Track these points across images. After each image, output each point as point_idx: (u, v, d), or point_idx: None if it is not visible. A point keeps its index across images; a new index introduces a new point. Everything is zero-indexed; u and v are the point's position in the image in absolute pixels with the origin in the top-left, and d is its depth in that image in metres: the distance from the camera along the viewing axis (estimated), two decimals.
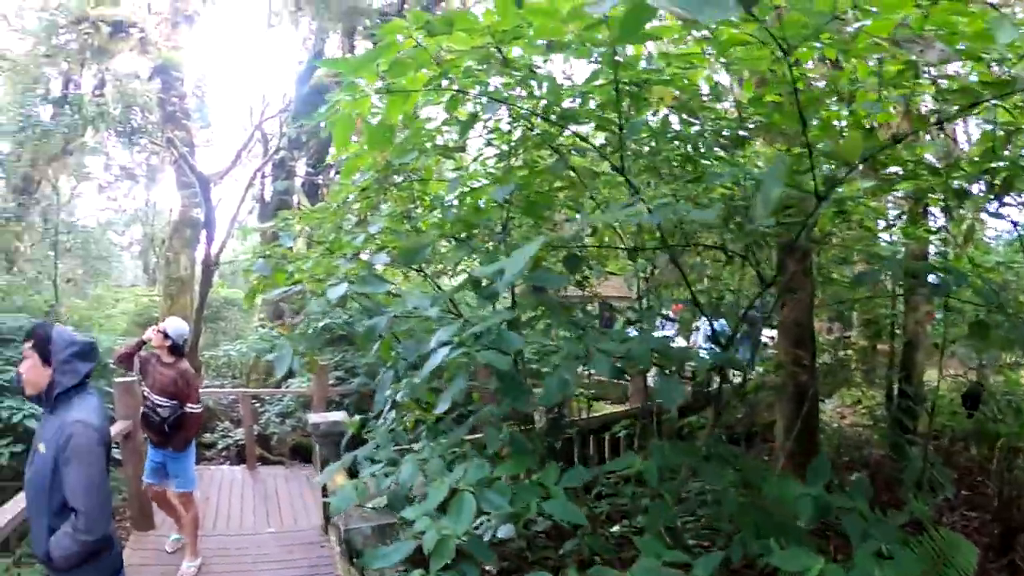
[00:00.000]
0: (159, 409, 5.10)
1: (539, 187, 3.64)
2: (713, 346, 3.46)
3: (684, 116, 3.26)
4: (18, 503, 3.28)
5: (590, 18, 2.18)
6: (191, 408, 5.21)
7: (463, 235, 3.58)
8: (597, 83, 2.78)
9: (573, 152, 3.49)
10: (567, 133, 3.23)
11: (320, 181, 14.69)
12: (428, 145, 3.60)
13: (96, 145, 16.12)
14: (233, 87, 48.21)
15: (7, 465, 6.05)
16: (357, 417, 4.85)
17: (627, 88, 2.76)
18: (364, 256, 3.95)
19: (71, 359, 2.74)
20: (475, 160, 4.05)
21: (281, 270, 3.92)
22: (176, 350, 5.29)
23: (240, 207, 12.29)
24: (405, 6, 13.74)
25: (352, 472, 3.71)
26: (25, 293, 9.97)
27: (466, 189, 3.66)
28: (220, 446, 10.34)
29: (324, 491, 5.40)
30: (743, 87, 4.13)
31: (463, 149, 4.31)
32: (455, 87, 2.77)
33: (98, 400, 2.86)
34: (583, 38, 2.31)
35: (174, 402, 5.12)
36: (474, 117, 3.10)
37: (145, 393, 5.21)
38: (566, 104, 2.99)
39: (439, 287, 4.14)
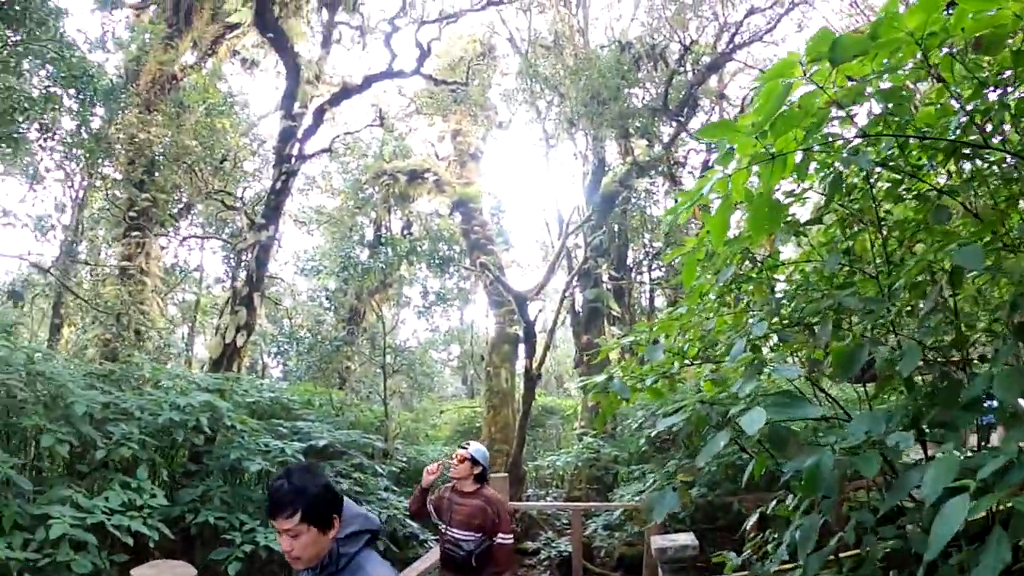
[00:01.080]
0: (462, 543, 4.49)
1: None
2: None
3: None
4: None
5: None
6: (503, 538, 4.49)
7: None
8: None
9: None
10: None
11: (624, 285, 14.79)
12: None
13: (411, 276, 18.44)
14: (527, 208, 52.76)
15: None
16: (732, 556, 4.15)
17: None
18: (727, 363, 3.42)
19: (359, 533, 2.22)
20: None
21: (655, 389, 3.60)
22: (481, 477, 4.64)
23: (556, 320, 12.73)
24: (669, 95, 13.85)
25: None
26: (357, 409, 11.16)
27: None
28: (543, 555, 10.31)
29: None
30: None
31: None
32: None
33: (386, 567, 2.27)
34: None
35: (479, 535, 4.49)
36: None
37: (443, 530, 4.60)
38: None
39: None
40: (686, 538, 5.07)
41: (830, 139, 2.48)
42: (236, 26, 13.43)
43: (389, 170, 17.55)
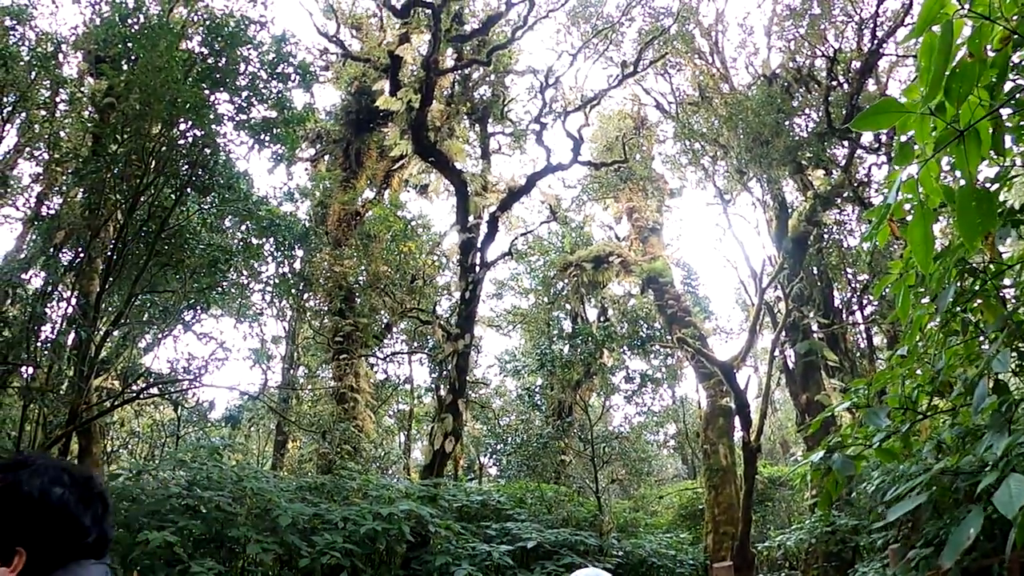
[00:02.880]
0: None
1: None
2: None
3: None
4: None
5: None
6: None
7: None
8: None
9: None
10: None
11: (836, 331, 13.32)
12: None
13: (615, 362, 17.99)
14: (719, 272, 50.84)
15: None
16: None
17: None
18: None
19: None
20: None
21: (885, 451, 2.90)
22: None
23: (768, 383, 11.62)
24: (831, 114, 12.57)
25: None
26: (570, 504, 10.62)
27: None
28: None
29: None
30: None
31: None
32: None
33: None
34: None
35: None
36: None
37: None
38: None
39: None
40: None
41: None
42: (403, 157, 14.70)
43: (574, 261, 17.76)
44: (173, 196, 9.19)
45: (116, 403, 11.01)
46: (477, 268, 13.66)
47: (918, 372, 3.40)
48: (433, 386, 18.46)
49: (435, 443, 12.00)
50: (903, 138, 1.91)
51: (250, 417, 20.07)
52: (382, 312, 16.55)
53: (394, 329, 19.08)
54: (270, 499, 6.31)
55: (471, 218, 13.83)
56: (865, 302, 15.29)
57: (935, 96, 1.67)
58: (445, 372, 12.84)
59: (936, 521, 7.60)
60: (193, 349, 17.60)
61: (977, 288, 2.91)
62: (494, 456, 17.81)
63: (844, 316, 14.87)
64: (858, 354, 16.64)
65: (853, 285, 15.97)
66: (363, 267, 14.23)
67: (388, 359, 17.67)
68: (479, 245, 13.73)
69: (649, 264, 16.72)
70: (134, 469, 6.84)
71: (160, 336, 12.18)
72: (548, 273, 18.67)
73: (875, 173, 14.45)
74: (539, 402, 16.29)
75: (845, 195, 13.75)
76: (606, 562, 8.22)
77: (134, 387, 10.94)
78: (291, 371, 21.87)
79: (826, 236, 14.43)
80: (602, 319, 18.81)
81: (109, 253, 9.45)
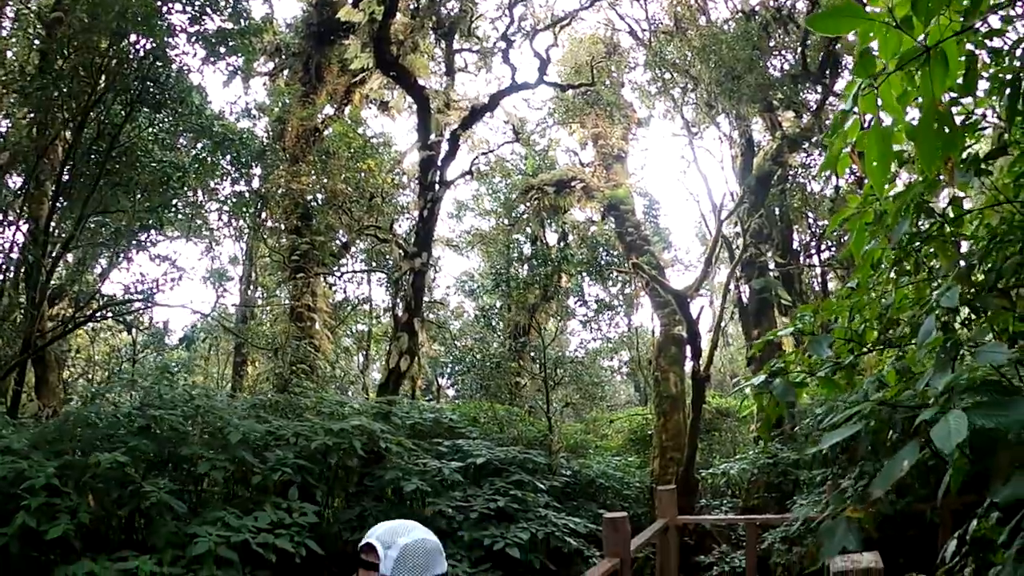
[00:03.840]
0: None
1: None
2: None
3: None
4: None
5: None
6: None
7: None
8: None
9: None
10: None
11: (792, 271, 13.54)
12: None
13: (572, 286, 18.10)
14: (680, 204, 51.04)
15: None
16: None
17: None
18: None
19: None
20: None
21: (829, 381, 2.94)
22: None
23: (721, 316, 11.84)
24: (807, 58, 12.38)
25: None
26: (522, 424, 10.83)
27: None
28: (715, 572, 9.42)
29: None
30: None
31: None
32: None
33: None
34: None
35: None
36: None
37: None
38: None
39: None
40: (870, 558, 4.19)
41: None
42: (364, 71, 14.07)
43: (536, 184, 17.50)
44: (123, 113, 8.71)
45: (68, 328, 10.69)
46: (436, 187, 13.39)
47: (866, 307, 3.41)
48: (390, 306, 18.38)
49: (390, 362, 12.04)
50: (864, 49, 1.81)
51: (207, 339, 19.91)
52: (339, 231, 16.22)
53: (352, 249, 18.78)
54: (221, 417, 6.26)
55: (432, 135, 13.44)
56: (824, 247, 15.53)
57: (903, 11, 1.58)
58: (402, 291, 12.75)
59: (873, 460, 7.96)
60: (147, 270, 17.26)
61: (934, 232, 2.90)
62: (451, 378, 18.01)
63: (802, 259, 15.12)
64: (812, 297, 17.05)
65: (813, 229, 16.07)
66: (321, 185, 13.80)
67: (346, 278, 17.45)
68: (439, 163, 13.43)
69: (612, 191, 16.60)
70: (88, 394, 6.69)
71: (114, 259, 11.86)
72: (510, 195, 18.43)
73: None
74: (495, 323, 16.34)
75: (813, 140, 13.73)
76: (554, 480, 8.48)
77: (86, 311, 10.68)
78: (248, 291, 21.51)
79: (791, 178, 14.44)
80: (562, 244, 18.77)
81: (58, 174, 8.99)
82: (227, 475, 6.30)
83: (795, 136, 13.77)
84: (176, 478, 6.00)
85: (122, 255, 11.24)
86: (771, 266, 14.44)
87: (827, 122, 14.02)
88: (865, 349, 3.50)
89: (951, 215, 3.01)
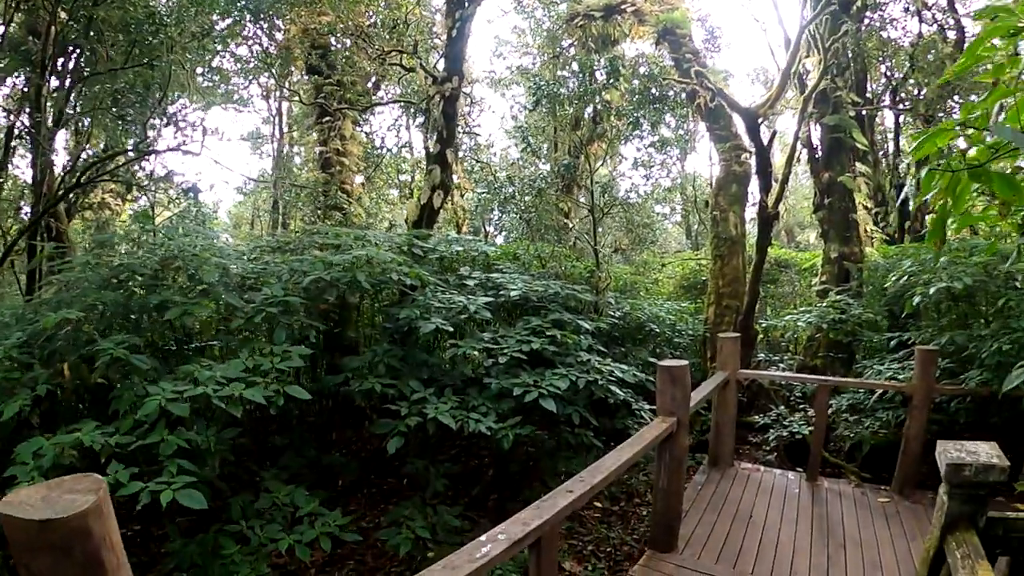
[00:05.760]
0: None
1: None
2: None
3: None
4: None
5: None
6: None
7: None
8: None
9: None
10: None
11: (869, 112, 11.47)
12: None
13: (621, 127, 16.12)
14: (740, 38, 45.72)
15: None
16: None
17: None
18: None
19: None
20: None
21: None
22: None
23: (794, 150, 9.96)
24: None
25: None
26: (567, 260, 9.31)
27: None
28: (770, 435, 8.20)
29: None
30: None
31: None
32: None
33: None
34: None
35: None
36: None
37: None
38: None
39: None
40: (989, 449, 2.91)
41: None
42: None
43: (582, 10, 15.16)
44: None
45: (72, 188, 10.02)
46: (466, 2, 11.39)
47: None
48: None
49: (422, 197, 10.71)
50: None
51: (247, 200, 19.25)
52: (366, 66, 14.47)
53: (382, 89, 17.06)
54: (196, 255, 5.11)
55: None
56: (899, 100, 13.61)
57: None
58: (432, 120, 11.16)
59: (957, 330, 6.47)
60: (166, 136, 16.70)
61: None
62: (499, 222, 16.64)
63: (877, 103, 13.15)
64: (882, 150, 15.24)
65: (888, 80, 14.31)
66: (340, 18, 12.02)
67: (383, 125, 15.95)
68: None
69: (666, 14, 14.22)
70: (90, 254, 5.60)
71: (123, 125, 11.27)
72: (554, 26, 16.13)
73: None
74: (540, 152, 14.57)
75: None
76: (601, 321, 7.24)
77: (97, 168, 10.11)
78: (284, 150, 20.37)
79: (866, 21, 12.22)
80: (611, 79, 16.54)
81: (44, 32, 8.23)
82: (206, 321, 5.27)
83: None
84: (147, 332, 4.97)
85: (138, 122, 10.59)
86: (848, 104, 12.46)
87: None
88: None
89: None
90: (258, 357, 4.35)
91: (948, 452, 3.00)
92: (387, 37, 13.58)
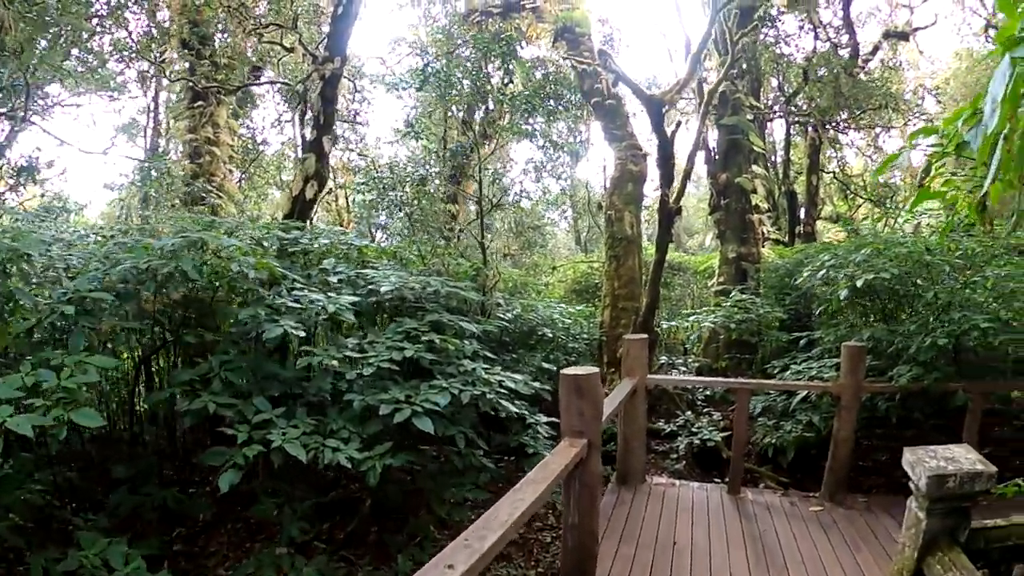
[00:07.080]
0: None
1: None
2: None
3: None
4: None
5: None
6: None
7: None
8: None
9: None
10: None
11: (766, 115, 11.47)
12: None
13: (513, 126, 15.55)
14: (642, 28, 46.16)
15: None
16: None
17: None
18: None
19: None
20: None
21: None
22: None
23: (696, 144, 9.53)
24: None
25: None
26: (449, 258, 8.30)
27: None
28: (680, 444, 7.61)
29: None
30: None
31: None
32: None
33: None
34: None
35: None
36: None
37: None
38: None
39: None
40: (966, 454, 2.55)
41: None
42: None
43: (480, 7, 14.36)
44: None
45: None
46: None
47: None
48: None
49: (294, 188, 9.47)
50: None
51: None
52: (240, 39, 12.97)
53: (262, 73, 15.52)
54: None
55: None
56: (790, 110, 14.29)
57: None
58: (309, 104, 9.94)
59: (877, 325, 6.20)
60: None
61: None
62: (384, 222, 15.44)
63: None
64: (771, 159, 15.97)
65: (777, 94, 15.37)
66: None
67: (264, 119, 14.49)
68: None
69: (565, 13, 13.70)
70: None
71: None
72: (449, 24, 15.25)
73: None
74: (420, 131, 13.52)
75: None
76: (488, 324, 6.33)
77: None
78: (158, 138, 18.31)
79: (762, 36, 12.47)
80: (505, 81, 15.86)
81: None
82: None
83: None
84: None
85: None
86: (746, 106, 12.56)
87: None
88: None
89: None
90: (43, 371, 3.16)
91: (924, 461, 2.46)
92: (267, 6, 12.17)
